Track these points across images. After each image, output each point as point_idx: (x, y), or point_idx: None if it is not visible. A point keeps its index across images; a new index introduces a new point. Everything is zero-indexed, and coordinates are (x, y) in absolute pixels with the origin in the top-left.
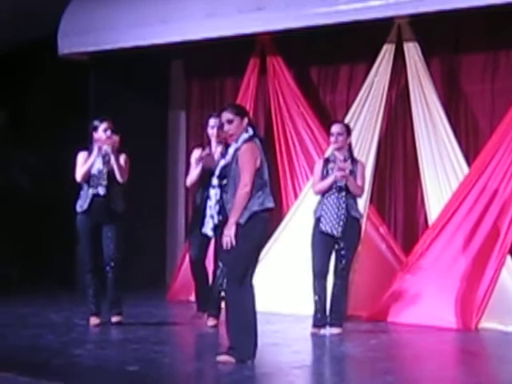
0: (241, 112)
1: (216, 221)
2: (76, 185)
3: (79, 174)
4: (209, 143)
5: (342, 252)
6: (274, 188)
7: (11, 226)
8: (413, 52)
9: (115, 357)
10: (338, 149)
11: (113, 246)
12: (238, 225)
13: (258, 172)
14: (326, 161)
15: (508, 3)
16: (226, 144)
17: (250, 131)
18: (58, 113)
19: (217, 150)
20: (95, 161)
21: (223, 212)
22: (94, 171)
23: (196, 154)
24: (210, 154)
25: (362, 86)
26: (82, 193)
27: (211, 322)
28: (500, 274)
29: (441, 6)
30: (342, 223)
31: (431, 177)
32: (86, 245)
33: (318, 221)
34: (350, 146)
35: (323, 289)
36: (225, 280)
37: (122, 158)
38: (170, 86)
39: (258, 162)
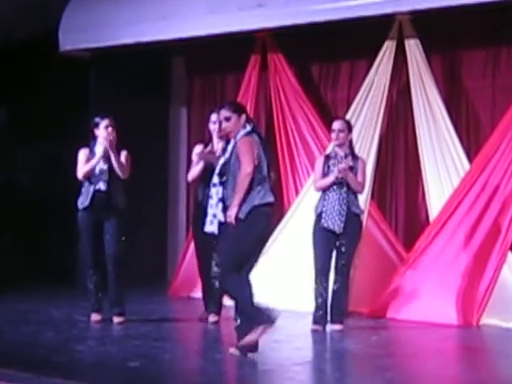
0: (238, 109)
1: (222, 219)
2: (77, 182)
3: (81, 172)
4: (210, 139)
5: (343, 248)
6: (275, 184)
7: (12, 222)
8: (414, 49)
9: (116, 353)
10: (339, 145)
11: (114, 242)
12: (238, 219)
13: (257, 167)
14: (327, 157)
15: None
16: (227, 140)
17: (248, 127)
18: (58, 110)
19: (218, 145)
20: (99, 161)
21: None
22: (96, 170)
23: (197, 149)
24: (212, 151)
25: (363, 82)
26: (83, 189)
27: (212, 318)
28: (501, 270)
29: (441, 2)
30: (343, 219)
31: (432, 173)
32: (87, 241)
33: (319, 217)
34: (350, 142)
35: (324, 285)
36: (218, 269)
37: (123, 155)
38: (171, 83)
39: (256, 157)
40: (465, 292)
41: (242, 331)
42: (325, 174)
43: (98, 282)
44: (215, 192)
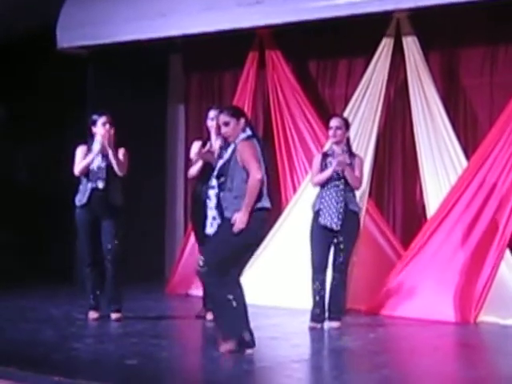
0: (237, 113)
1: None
2: (75, 179)
3: (78, 168)
4: (208, 136)
5: (341, 246)
6: (272, 183)
7: (10, 220)
8: (412, 46)
9: (114, 351)
10: (337, 143)
11: (111, 240)
12: (229, 221)
13: None
14: (325, 155)
15: None
16: (225, 140)
17: (248, 131)
18: (56, 107)
19: (216, 143)
20: (95, 157)
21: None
22: (94, 167)
23: (195, 146)
24: (210, 151)
25: (360, 79)
26: (80, 187)
27: (210, 315)
28: (499, 267)
29: (439, 0)
30: (340, 217)
31: (430, 171)
32: (85, 239)
33: (316, 214)
34: (348, 140)
35: (322, 283)
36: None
37: (121, 152)
38: (169, 80)
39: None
40: (462, 289)
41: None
42: (322, 171)
43: (96, 280)
44: (213, 194)
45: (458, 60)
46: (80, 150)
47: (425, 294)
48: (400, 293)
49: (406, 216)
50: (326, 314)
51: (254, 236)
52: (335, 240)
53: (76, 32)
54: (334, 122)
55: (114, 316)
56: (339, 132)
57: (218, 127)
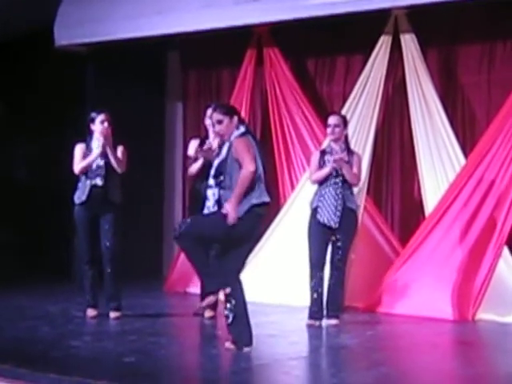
0: (229, 111)
1: None
2: (73, 177)
3: (78, 168)
4: (206, 134)
5: (339, 243)
6: (270, 180)
7: (9, 217)
8: (410, 43)
9: (112, 348)
10: (335, 140)
11: (110, 237)
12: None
13: None
14: (323, 152)
15: None
16: (219, 136)
17: (242, 129)
18: (55, 104)
19: (215, 141)
20: (96, 158)
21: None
22: (93, 165)
23: (193, 144)
24: (210, 148)
25: (358, 77)
26: (79, 184)
27: (208, 313)
28: (497, 265)
29: None
30: (338, 214)
31: (428, 168)
32: (84, 236)
33: (314, 212)
34: (346, 137)
35: (320, 280)
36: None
37: (120, 150)
38: (167, 77)
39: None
40: (460, 287)
41: (235, 327)
42: (320, 169)
43: (94, 278)
44: (211, 194)
45: (456, 57)
46: (79, 148)
47: (423, 291)
48: (398, 290)
49: (404, 213)
50: (324, 312)
51: (251, 230)
52: (333, 237)
53: (74, 30)
54: (333, 120)
55: (112, 315)
56: (337, 129)
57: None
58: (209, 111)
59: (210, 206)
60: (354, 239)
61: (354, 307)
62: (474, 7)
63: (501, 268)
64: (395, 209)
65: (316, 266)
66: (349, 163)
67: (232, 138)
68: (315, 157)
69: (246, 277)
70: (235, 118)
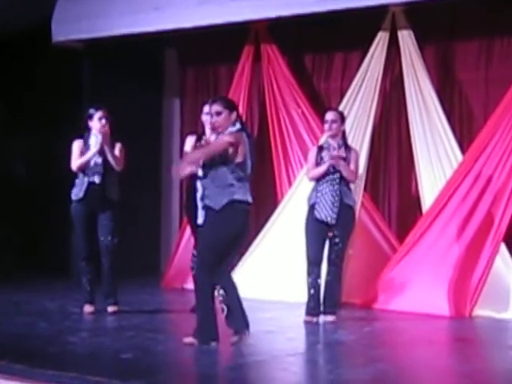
0: (230, 106)
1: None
2: (71, 173)
3: (76, 165)
4: (203, 130)
5: (336, 239)
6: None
7: (5, 213)
8: (407, 40)
9: (109, 344)
10: (332, 136)
11: (108, 234)
12: (213, 211)
13: (241, 165)
14: (320, 148)
15: None
16: (214, 128)
17: (238, 125)
18: (52, 101)
19: (211, 137)
20: (94, 155)
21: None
22: (91, 163)
23: (190, 140)
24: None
25: (356, 73)
26: (77, 181)
27: None
28: (494, 261)
29: None
30: (335, 210)
31: (425, 164)
32: (81, 233)
33: (312, 208)
34: (343, 133)
35: (317, 276)
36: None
37: (118, 147)
38: (164, 74)
39: (242, 155)
40: (458, 283)
41: (231, 318)
42: (318, 165)
43: (91, 274)
44: (200, 185)
45: (454, 54)
46: (76, 145)
47: (420, 287)
48: (395, 287)
49: (402, 210)
50: (321, 308)
51: (239, 227)
52: (330, 234)
53: (71, 26)
54: (330, 116)
55: (110, 309)
56: (335, 125)
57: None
58: (206, 107)
59: (200, 197)
60: (352, 235)
61: (351, 303)
62: (472, 3)
63: (498, 264)
64: (392, 205)
65: (313, 263)
66: (346, 159)
67: (226, 132)
68: (312, 153)
69: (243, 273)
70: (234, 114)
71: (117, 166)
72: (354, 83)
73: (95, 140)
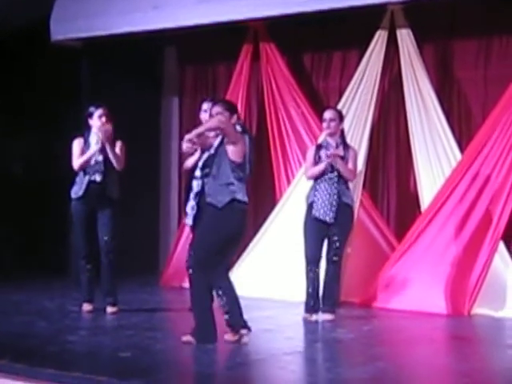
0: (231, 108)
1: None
2: (70, 171)
3: (77, 164)
4: None
5: (335, 238)
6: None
7: (4, 212)
8: (406, 38)
9: (108, 343)
10: (331, 135)
11: (107, 232)
12: (215, 208)
13: (241, 165)
14: (319, 147)
15: None
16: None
17: (238, 128)
18: (51, 100)
19: (210, 133)
20: (95, 153)
21: (202, 202)
22: (92, 161)
23: (191, 159)
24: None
25: (354, 72)
26: (77, 179)
27: None
28: (492, 259)
29: None
30: (333, 209)
31: (424, 163)
32: (81, 231)
33: (310, 207)
34: (342, 131)
35: (316, 275)
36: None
37: (118, 146)
38: (163, 73)
39: (242, 155)
40: (456, 281)
41: (230, 320)
42: (316, 164)
43: (91, 273)
44: (196, 185)
45: (453, 52)
46: (77, 143)
47: (419, 286)
48: (394, 285)
49: (400, 208)
50: (320, 305)
51: (238, 227)
52: (329, 232)
53: (70, 24)
54: (328, 114)
55: (109, 310)
56: (333, 124)
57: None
58: (204, 105)
59: (192, 197)
60: (350, 234)
61: (350, 302)
62: (471, 2)
63: (496, 263)
64: (391, 204)
65: (312, 261)
66: (344, 158)
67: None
68: (311, 152)
69: (241, 272)
70: (235, 117)
71: (117, 165)
72: (352, 82)
73: (96, 138)
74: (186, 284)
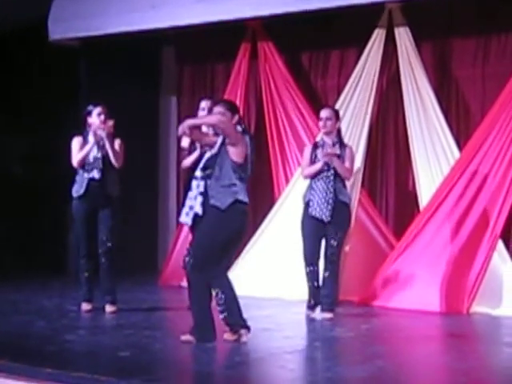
0: (232, 108)
1: (200, 212)
2: (69, 170)
3: (76, 160)
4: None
5: (332, 236)
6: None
7: (3, 211)
8: (404, 37)
9: (107, 343)
10: (327, 133)
11: (107, 231)
12: (218, 210)
13: (242, 166)
14: (315, 145)
15: None
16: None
17: (239, 129)
18: (49, 99)
19: (208, 131)
20: (92, 148)
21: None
22: (90, 158)
23: (185, 140)
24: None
25: (353, 71)
26: (77, 178)
27: None
28: (491, 258)
29: None
30: (330, 207)
31: (422, 161)
32: (81, 230)
33: (307, 205)
34: (339, 130)
35: (315, 273)
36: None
37: (117, 143)
38: (161, 72)
39: (243, 157)
40: (455, 280)
41: (229, 319)
42: (313, 162)
43: (90, 272)
44: (195, 185)
45: (451, 51)
46: (76, 141)
47: (417, 284)
48: (393, 284)
49: (399, 207)
50: (320, 304)
51: (239, 228)
52: (326, 231)
53: (68, 24)
54: (324, 113)
55: (108, 309)
56: (329, 123)
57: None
58: (202, 103)
59: (191, 196)
60: (348, 232)
61: (349, 301)
62: (469, 0)
63: (495, 261)
64: (390, 202)
65: (310, 260)
66: (340, 157)
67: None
68: (307, 150)
69: (240, 271)
70: (236, 117)
71: (116, 162)
72: (350, 80)
73: (94, 137)
74: (185, 283)
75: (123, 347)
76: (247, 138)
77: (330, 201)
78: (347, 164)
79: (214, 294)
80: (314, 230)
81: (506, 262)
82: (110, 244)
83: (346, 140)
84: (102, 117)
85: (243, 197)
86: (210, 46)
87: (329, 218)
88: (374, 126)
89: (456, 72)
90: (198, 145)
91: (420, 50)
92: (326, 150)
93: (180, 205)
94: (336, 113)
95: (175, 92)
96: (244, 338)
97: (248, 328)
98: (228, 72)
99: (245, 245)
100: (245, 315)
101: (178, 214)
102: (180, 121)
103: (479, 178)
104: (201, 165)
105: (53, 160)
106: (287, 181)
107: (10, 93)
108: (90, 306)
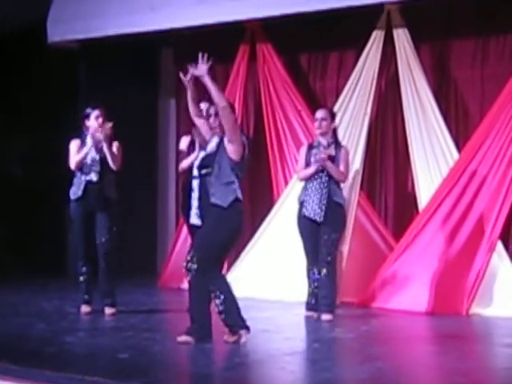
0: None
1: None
2: (67, 172)
3: (73, 162)
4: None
5: (326, 237)
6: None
7: (2, 213)
8: (402, 38)
9: (106, 345)
10: (322, 134)
11: (106, 233)
12: (221, 208)
13: (239, 164)
14: (310, 146)
15: None
16: (212, 129)
17: None
18: (49, 101)
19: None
20: (89, 151)
21: (204, 200)
22: (88, 160)
23: (184, 139)
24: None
25: (351, 72)
26: (75, 180)
27: None
28: (490, 259)
29: None
30: (323, 208)
31: (421, 162)
32: (79, 232)
33: (301, 206)
34: (334, 131)
35: (314, 273)
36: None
37: (115, 146)
38: (160, 74)
39: (240, 156)
40: (454, 281)
41: (228, 319)
42: (307, 163)
43: (89, 274)
44: (196, 185)
45: (449, 52)
46: (74, 144)
47: (417, 286)
48: (392, 285)
49: (398, 208)
50: (319, 306)
51: (237, 226)
52: (320, 232)
53: (67, 26)
54: (319, 114)
55: (108, 311)
56: (324, 123)
57: (207, 118)
58: (201, 105)
59: (195, 197)
60: (343, 233)
61: (349, 302)
62: (467, 1)
63: (494, 262)
64: (389, 203)
65: (309, 260)
66: (336, 157)
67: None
68: (302, 151)
69: (240, 272)
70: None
71: (114, 165)
72: (349, 82)
73: (92, 140)
74: (184, 285)
75: (122, 349)
76: (244, 139)
77: (323, 201)
78: (342, 166)
79: (212, 294)
80: (309, 229)
81: (506, 263)
82: (108, 246)
83: (344, 142)
84: (100, 120)
85: (240, 195)
86: (209, 48)
87: (322, 219)
88: (372, 128)
89: (455, 73)
90: (197, 146)
91: (419, 52)
92: (320, 152)
93: (179, 206)
94: (331, 113)
95: (174, 94)
96: (243, 339)
97: (247, 328)
98: (227, 74)
99: (244, 246)
100: (244, 317)
101: (177, 215)
102: (179, 122)
103: (478, 179)
104: (196, 163)
105: (52, 161)
106: (286, 182)
107: (9, 94)
108: (89, 308)
